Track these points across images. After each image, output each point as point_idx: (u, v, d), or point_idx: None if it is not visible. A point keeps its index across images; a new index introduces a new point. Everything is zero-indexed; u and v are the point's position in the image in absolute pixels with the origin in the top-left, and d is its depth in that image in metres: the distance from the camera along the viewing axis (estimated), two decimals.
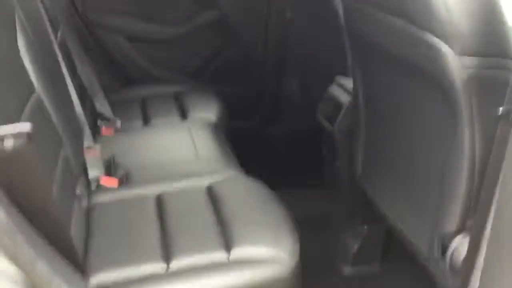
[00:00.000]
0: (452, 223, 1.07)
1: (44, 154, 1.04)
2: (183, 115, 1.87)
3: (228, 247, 1.13)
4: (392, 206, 1.36)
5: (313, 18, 1.93)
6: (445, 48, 0.95)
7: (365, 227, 1.63)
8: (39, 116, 1.13)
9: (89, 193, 1.39)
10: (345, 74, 1.67)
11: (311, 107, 1.76)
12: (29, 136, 0.79)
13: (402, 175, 1.30)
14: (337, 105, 1.60)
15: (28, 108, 1.08)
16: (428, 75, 1.03)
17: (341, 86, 1.64)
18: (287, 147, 2.29)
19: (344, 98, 1.59)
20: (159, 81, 2.18)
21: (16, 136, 0.78)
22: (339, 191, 1.72)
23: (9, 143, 0.78)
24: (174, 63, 2.22)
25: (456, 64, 0.94)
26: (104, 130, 1.75)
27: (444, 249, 1.08)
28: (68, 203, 1.20)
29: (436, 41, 0.96)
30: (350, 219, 1.69)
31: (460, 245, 1.05)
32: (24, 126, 0.79)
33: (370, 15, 1.19)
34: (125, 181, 1.43)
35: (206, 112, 1.88)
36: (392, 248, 1.70)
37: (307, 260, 1.19)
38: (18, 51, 1.17)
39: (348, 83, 1.58)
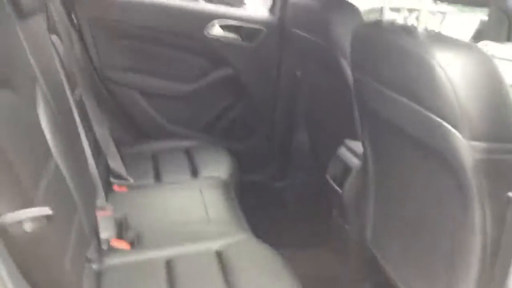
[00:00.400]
0: None
1: (59, 226, 1.05)
2: (194, 173, 1.89)
3: None
4: (401, 274, 1.35)
5: (323, 80, 1.97)
6: (453, 131, 0.96)
7: None
8: (55, 184, 1.14)
9: (100, 254, 1.40)
10: (353, 136, 1.69)
11: (320, 164, 1.77)
12: (48, 218, 0.81)
13: (411, 244, 1.29)
14: (346, 169, 1.61)
15: (45, 177, 1.09)
16: (437, 154, 1.04)
17: (350, 149, 1.65)
18: (295, 203, 2.30)
19: (353, 162, 1.60)
20: (171, 135, 2.22)
21: (34, 219, 0.79)
22: (347, 253, 1.71)
23: (28, 227, 0.79)
24: (186, 118, 2.27)
25: (465, 147, 0.95)
26: (117, 187, 1.77)
27: None
28: (79, 268, 1.21)
29: (444, 124, 0.97)
30: (358, 282, 1.67)
31: None
32: (43, 210, 0.80)
33: (378, 91, 1.21)
34: (136, 243, 1.44)
35: (217, 169, 1.90)
36: None
37: None
38: (37, 117, 1.20)
39: (357, 146, 1.60)
